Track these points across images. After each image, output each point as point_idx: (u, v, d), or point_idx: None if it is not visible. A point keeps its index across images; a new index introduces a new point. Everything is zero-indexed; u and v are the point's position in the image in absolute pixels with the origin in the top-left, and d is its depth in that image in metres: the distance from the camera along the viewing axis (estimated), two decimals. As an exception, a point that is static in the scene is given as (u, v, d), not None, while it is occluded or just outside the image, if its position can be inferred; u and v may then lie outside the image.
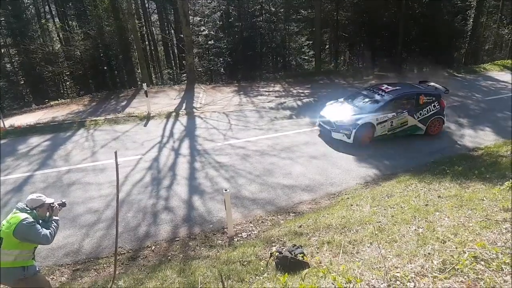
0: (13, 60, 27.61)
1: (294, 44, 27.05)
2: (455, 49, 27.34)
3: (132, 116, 13.68)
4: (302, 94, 17.18)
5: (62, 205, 4.66)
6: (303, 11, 25.82)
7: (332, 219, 6.64)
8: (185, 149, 10.89)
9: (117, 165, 4.85)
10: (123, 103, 16.20)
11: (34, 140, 11.55)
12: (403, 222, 5.72)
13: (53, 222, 4.39)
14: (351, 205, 7.35)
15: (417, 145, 10.89)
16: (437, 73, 20.80)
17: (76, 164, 9.87)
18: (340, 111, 11.06)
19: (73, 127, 12.67)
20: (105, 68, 25.80)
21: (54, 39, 28.20)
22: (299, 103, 15.71)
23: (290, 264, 4.82)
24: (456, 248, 4.12)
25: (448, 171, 8.71)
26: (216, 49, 25.67)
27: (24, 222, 4.03)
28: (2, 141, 11.65)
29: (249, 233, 6.99)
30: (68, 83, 28.04)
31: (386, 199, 7.36)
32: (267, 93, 17.63)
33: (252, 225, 7.26)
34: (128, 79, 25.20)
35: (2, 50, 27.77)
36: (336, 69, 25.06)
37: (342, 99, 12.11)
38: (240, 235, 6.94)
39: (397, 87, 11.34)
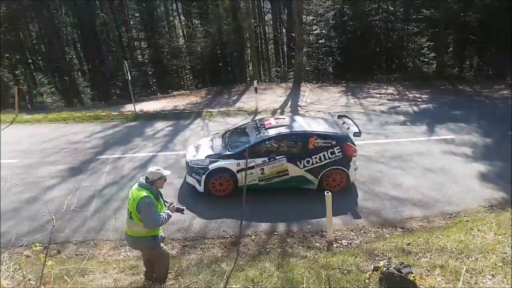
0: (144, 53, 31.46)
1: (413, 45, 25.15)
2: None
3: (242, 110, 14.38)
4: (419, 99, 15.86)
5: (179, 210, 4.99)
6: (425, 11, 23.77)
7: (447, 242, 6.00)
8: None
9: (246, 160, 5.07)
10: (234, 98, 17.14)
11: (159, 125, 12.93)
12: (538, 259, 4.87)
13: (167, 214, 4.76)
14: (471, 229, 6.54)
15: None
16: None
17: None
18: (205, 148, 8.57)
19: (191, 116, 13.86)
20: (220, 64, 27.56)
21: (179, 35, 31.12)
22: (415, 108, 14.53)
23: (397, 283, 4.50)
24: None
25: None
26: (326, 48, 25.35)
27: (145, 200, 4.49)
28: (133, 123, 13.31)
29: (350, 241, 6.74)
30: (188, 76, 30.77)
31: (516, 227, 6.36)
32: (378, 95, 16.74)
33: (353, 233, 6.99)
34: (239, 75, 26.55)
35: (135, 43, 31.86)
36: (461, 75, 22.51)
37: (223, 132, 9.64)
38: (340, 242, 6.74)
39: (284, 123, 8.53)
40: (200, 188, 8.05)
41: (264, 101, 15.72)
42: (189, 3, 29.68)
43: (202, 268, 5.54)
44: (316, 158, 7.99)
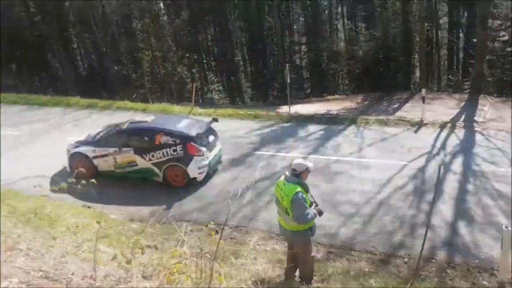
0: (303, 56, 32.53)
1: None
2: None
3: (403, 120, 13.19)
4: None
5: (320, 213, 4.88)
6: None
7: None
8: (457, 166, 9.63)
9: (439, 175, 4.66)
10: (395, 106, 15.97)
11: (311, 128, 13.08)
12: None
13: (315, 213, 4.75)
14: None
15: None
16: None
17: (344, 156, 10.52)
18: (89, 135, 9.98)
19: (345, 122, 13.54)
20: (382, 69, 26.21)
21: (341, 38, 30.95)
22: None
23: None
24: None
25: None
26: (516, 56, 21.26)
27: (298, 196, 4.54)
28: (287, 124, 13.83)
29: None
30: (345, 80, 30.41)
31: None
32: None
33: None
34: (403, 82, 24.70)
35: (296, 47, 33.20)
36: None
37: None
38: (515, 285, 5.50)
39: (144, 122, 9.88)
40: (68, 168, 9.44)
41: (432, 112, 14.01)
42: (355, 6, 29.24)
43: (349, 279, 5.32)
44: (160, 153, 8.82)
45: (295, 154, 10.73)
